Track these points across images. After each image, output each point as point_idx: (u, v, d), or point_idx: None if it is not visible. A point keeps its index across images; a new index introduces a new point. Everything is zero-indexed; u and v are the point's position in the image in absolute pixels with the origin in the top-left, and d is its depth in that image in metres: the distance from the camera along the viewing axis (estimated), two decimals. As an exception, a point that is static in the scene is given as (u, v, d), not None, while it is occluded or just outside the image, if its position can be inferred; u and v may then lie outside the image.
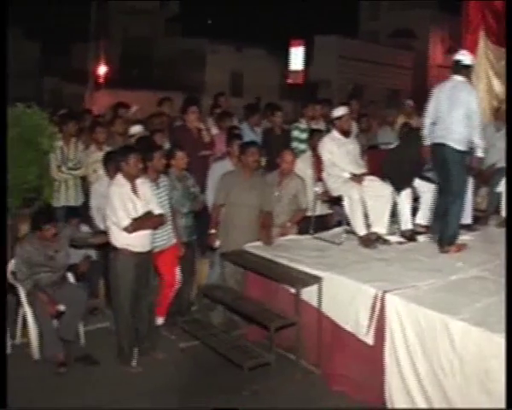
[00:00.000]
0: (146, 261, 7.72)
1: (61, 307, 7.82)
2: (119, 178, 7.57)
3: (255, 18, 45.89)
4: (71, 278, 8.50)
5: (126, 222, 7.38)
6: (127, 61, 40.23)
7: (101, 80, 33.12)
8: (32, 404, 6.96)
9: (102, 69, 33.38)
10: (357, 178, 8.99)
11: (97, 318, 9.09)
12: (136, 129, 10.15)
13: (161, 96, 12.85)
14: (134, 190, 7.53)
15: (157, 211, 7.70)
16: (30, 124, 9.38)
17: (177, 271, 8.49)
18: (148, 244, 7.70)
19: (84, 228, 9.39)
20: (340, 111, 9.43)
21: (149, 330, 7.97)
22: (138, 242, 7.53)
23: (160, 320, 8.35)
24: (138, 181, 7.61)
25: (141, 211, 7.48)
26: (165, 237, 8.26)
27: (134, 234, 7.45)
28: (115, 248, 7.58)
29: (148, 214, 7.56)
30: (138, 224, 7.44)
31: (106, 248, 8.49)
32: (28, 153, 9.22)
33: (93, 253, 9.43)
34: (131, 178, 7.54)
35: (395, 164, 9.37)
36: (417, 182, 9.45)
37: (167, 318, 8.55)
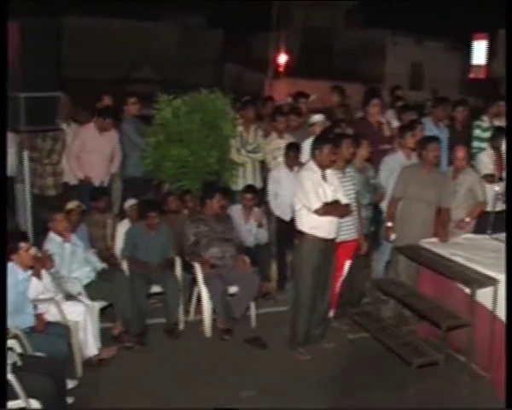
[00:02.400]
0: (330, 249, 7.76)
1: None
2: (311, 164, 7.66)
3: (437, 10, 44.81)
4: (246, 260, 8.69)
5: (317, 205, 7.44)
6: (307, 50, 40.40)
7: (281, 69, 33.46)
8: (197, 379, 7.22)
9: (283, 58, 33.68)
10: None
11: (269, 302, 9.22)
12: (317, 118, 10.19)
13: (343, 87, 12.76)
14: (324, 178, 7.60)
15: (344, 201, 7.73)
16: (213, 109, 9.65)
17: (348, 264, 8.47)
18: (334, 232, 7.73)
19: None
20: None
21: (322, 319, 8.03)
22: (325, 228, 7.58)
23: (330, 313, 8.37)
24: (328, 171, 7.68)
25: (330, 198, 7.54)
26: (348, 230, 8.23)
27: (321, 219, 7.50)
28: (301, 233, 7.66)
29: (336, 203, 7.60)
30: (328, 209, 7.48)
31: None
32: (210, 137, 9.50)
33: (264, 237, 9.60)
34: (323, 167, 7.61)
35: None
36: None
37: (338, 308, 8.56)
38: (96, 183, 9.86)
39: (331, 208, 7.53)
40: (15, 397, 5.71)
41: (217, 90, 9.89)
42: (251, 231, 9.43)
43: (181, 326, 8.41)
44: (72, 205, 8.44)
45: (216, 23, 41.34)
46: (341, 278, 8.42)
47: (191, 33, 39.94)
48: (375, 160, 9.24)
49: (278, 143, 9.95)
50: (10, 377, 5.68)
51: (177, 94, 9.86)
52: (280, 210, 9.44)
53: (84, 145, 9.84)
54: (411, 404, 6.87)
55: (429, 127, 10.42)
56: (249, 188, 9.64)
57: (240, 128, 10.02)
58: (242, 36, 40.52)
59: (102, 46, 34.90)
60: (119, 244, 8.93)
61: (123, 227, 9.02)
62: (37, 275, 7.01)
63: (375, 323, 7.99)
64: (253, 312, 8.51)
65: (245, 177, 10.18)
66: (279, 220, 9.54)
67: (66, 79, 9.00)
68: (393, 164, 9.15)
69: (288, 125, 10.31)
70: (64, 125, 10.00)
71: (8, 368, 5.83)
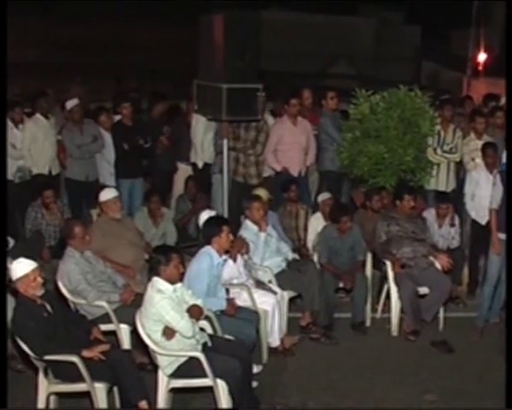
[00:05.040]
0: None
1: None
2: None
3: None
4: (438, 264, 8.48)
5: None
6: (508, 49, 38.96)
7: (480, 68, 32.44)
8: (380, 378, 7.17)
9: (482, 56, 32.65)
10: None
11: (458, 307, 9.00)
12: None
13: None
14: None
15: None
16: (411, 106, 9.52)
17: None
18: None
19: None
20: None
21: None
22: None
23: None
24: None
25: None
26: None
27: None
28: None
29: None
30: None
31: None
32: (407, 135, 9.38)
33: (457, 240, 9.34)
34: None
35: None
36: None
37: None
38: (294, 174, 10.00)
39: None
40: (204, 376, 5.92)
41: (416, 88, 9.76)
42: (444, 236, 9.23)
43: (367, 323, 8.40)
44: (260, 192, 8.62)
45: (414, 19, 40.78)
46: None
47: (389, 29, 39.67)
48: None
49: (477, 145, 9.67)
50: (200, 356, 5.90)
51: (373, 90, 9.81)
52: (476, 212, 9.18)
53: (280, 138, 10.01)
54: None
55: None
56: (442, 195, 9.46)
57: (438, 127, 9.84)
58: (440, 33, 39.67)
59: (301, 40, 35.39)
60: (310, 236, 9.10)
61: (315, 220, 9.16)
62: (234, 258, 7.26)
63: None
64: (441, 315, 8.33)
65: (438, 177, 10.01)
66: (474, 223, 9.29)
67: (264, 72, 9.20)
68: None
69: (487, 127, 10.01)
70: (268, 118, 10.29)
71: (199, 347, 6.07)
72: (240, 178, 9.93)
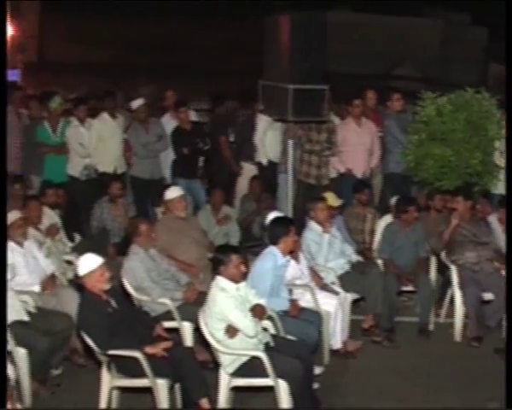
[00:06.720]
0: None
1: None
2: None
3: None
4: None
5: None
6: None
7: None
8: (442, 383, 7.08)
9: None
10: None
11: None
12: None
13: None
14: None
15: None
16: (478, 109, 9.41)
17: None
18: None
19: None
20: None
21: None
22: None
23: None
24: None
25: None
26: None
27: None
28: None
29: None
30: None
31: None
32: (474, 138, 9.27)
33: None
34: None
35: None
36: None
37: None
38: (358, 175, 10.00)
39: None
40: (265, 375, 5.93)
41: (483, 90, 9.63)
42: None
43: (431, 327, 8.30)
44: (330, 197, 8.60)
45: (481, 21, 40.12)
46: None
47: (455, 31, 39.07)
48: None
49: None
50: (262, 355, 5.91)
51: (439, 92, 9.71)
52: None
53: (344, 139, 9.99)
54: None
55: None
56: (503, 199, 9.30)
57: (503, 130, 9.69)
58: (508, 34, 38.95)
59: (367, 41, 35.13)
60: (377, 239, 9.00)
61: (385, 223, 9.05)
62: (296, 258, 7.28)
63: None
64: (505, 321, 8.17)
65: (505, 181, 9.83)
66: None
67: (330, 73, 9.19)
68: None
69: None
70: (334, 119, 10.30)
71: (261, 347, 6.08)
72: (313, 181, 9.97)
